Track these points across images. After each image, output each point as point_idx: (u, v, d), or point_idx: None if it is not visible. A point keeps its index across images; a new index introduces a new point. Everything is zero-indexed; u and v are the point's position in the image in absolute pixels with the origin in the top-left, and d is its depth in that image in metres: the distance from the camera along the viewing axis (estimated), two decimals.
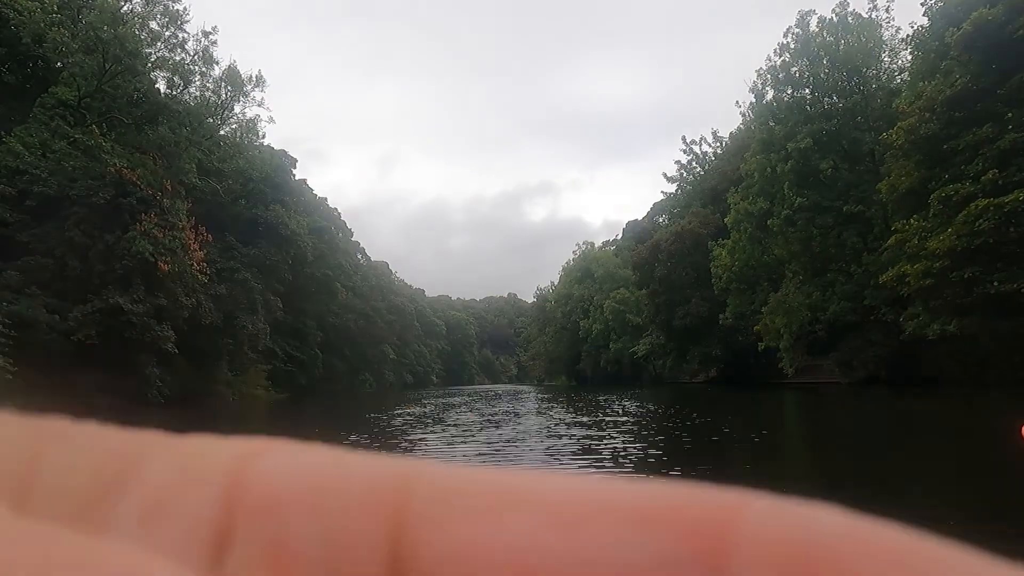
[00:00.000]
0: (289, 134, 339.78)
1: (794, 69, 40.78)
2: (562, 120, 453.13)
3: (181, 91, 39.53)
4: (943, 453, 10.03)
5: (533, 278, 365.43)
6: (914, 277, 26.81)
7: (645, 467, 8.94)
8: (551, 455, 10.22)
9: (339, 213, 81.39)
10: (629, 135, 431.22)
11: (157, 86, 39.54)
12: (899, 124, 28.66)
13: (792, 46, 40.76)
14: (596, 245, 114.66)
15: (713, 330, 55.86)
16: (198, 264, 36.11)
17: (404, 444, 12.55)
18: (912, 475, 7.88)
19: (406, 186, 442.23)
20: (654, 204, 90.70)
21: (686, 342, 62.07)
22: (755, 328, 44.03)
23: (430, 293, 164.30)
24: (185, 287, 35.13)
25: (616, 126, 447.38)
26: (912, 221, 27.75)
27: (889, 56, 39.60)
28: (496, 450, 11.15)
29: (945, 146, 26.00)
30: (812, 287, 38.41)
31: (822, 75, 39.81)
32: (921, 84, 28.26)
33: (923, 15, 29.22)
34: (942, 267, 25.20)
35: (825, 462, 9.85)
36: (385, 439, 13.64)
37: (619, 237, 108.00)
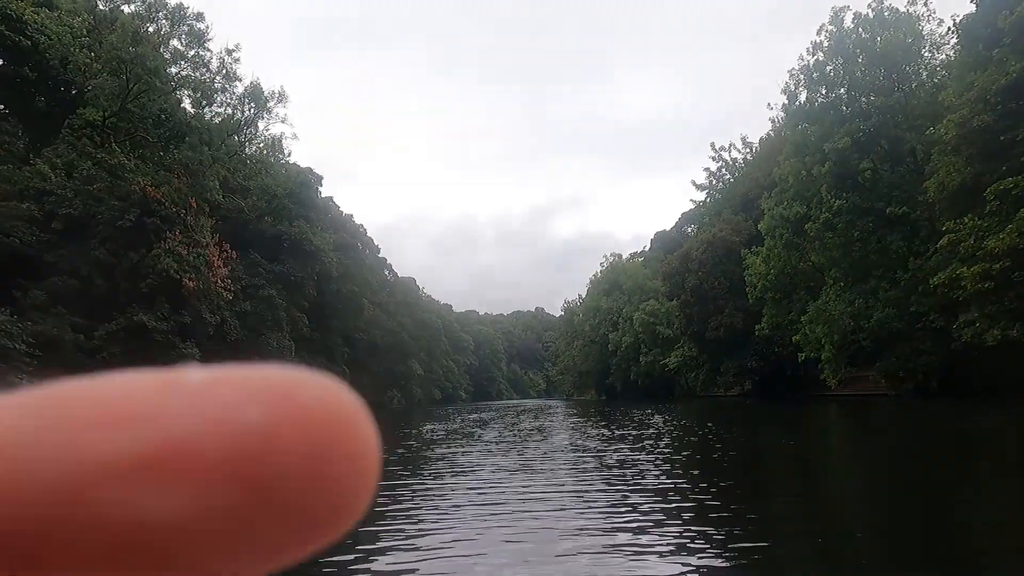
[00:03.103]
0: (319, 153, 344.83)
1: (828, 68, 39.23)
2: (592, 134, 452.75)
3: (204, 109, 39.62)
4: None
5: (561, 292, 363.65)
6: (970, 280, 25.03)
7: (701, 506, 7.74)
8: (583, 473, 9.13)
9: (365, 230, 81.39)
10: (660, 147, 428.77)
11: (183, 105, 39.71)
12: (948, 118, 27.01)
13: (826, 44, 39.26)
14: (624, 257, 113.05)
15: (748, 341, 53.92)
16: (222, 281, 35.81)
17: (438, 459, 11.55)
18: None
19: (436, 203, 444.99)
20: (683, 214, 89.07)
21: (719, 354, 60.10)
22: (793, 338, 42.16)
23: (458, 308, 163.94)
24: (209, 304, 34.80)
25: (647, 139, 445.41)
26: (966, 220, 25.99)
27: (930, 51, 37.88)
28: (527, 462, 10.09)
29: (1002, 138, 24.33)
30: (854, 294, 36.56)
31: (858, 73, 38.21)
32: (971, 75, 26.62)
33: (970, 2, 27.60)
34: (1003, 268, 23.43)
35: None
36: (419, 452, 12.67)
37: (647, 248, 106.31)
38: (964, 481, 8.50)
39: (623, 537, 5.30)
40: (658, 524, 5.81)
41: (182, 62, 38.01)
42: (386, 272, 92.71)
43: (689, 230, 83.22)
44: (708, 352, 62.25)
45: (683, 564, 4.54)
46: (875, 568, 4.62)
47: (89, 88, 33.84)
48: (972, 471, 9.51)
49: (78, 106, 35.20)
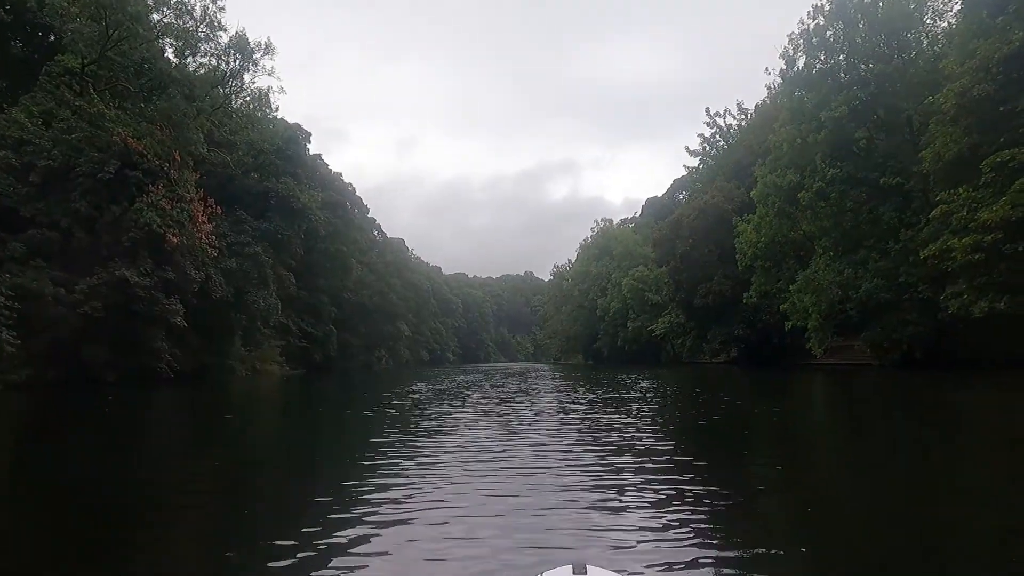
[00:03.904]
0: (309, 113, 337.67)
1: (828, 33, 38.43)
2: (586, 98, 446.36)
3: (188, 59, 38.31)
4: None
5: (551, 257, 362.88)
6: (961, 251, 25.00)
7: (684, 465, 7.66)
8: (567, 434, 9.03)
9: (354, 189, 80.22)
10: (654, 113, 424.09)
11: (166, 55, 38.38)
12: (947, 87, 26.61)
13: (827, 8, 38.37)
14: (615, 223, 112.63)
15: (735, 309, 54.13)
16: (207, 237, 35.18)
17: (427, 423, 11.42)
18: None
19: (427, 165, 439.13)
20: (675, 180, 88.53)
21: (707, 321, 60.39)
22: (781, 307, 42.32)
23: (448, 271, 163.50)
24: (194, 260, 34.24)
25: (641, 104, 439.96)
26: (960, 191, 25.83)
27: (932, 18, 37.16)
28: (513, 423, 9.99)
29: (1001, 108, 24.03)
30: (843, 264, 36.55)
31: (858, 39, 37.47)
32: (973, 43, 26.14)
33: None
34: (994, 240, 23.39)
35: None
36: (403, 413, 12.56)
37: (638, 214, 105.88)
38: (952, 454, 8.48)
39: (605, 497, 5.18)
40: (640, 486, 5.73)
41: (164, 9, 36.56)
42: (375, 232, 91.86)
43: (681, 197, 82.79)
44: (696, 319, 62.50)
45: (665, 523, 4.44)
46: (860, 535, 4.52)
47: (67, 33, 32.52)
48: (958, 443, 9.51)
49: (56, 52, 33.89)
